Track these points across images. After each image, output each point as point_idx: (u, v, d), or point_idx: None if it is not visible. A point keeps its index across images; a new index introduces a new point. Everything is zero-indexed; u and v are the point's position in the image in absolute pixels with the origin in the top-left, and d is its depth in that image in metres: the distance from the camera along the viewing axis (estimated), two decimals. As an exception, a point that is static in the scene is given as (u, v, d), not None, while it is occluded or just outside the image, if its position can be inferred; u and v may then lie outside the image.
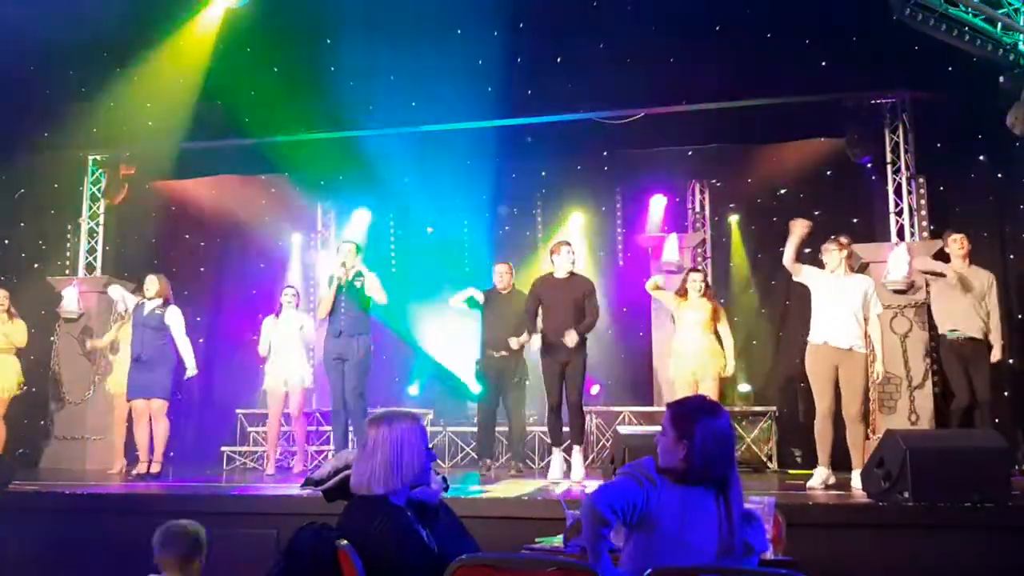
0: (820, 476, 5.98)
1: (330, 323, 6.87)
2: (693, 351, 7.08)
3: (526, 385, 7.79)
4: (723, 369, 7.10)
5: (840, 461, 6.09)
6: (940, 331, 7.12)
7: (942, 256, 7.40)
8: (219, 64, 8.38)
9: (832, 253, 6.20)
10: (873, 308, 6.11)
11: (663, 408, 2.52)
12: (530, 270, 9.40)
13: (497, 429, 7.96)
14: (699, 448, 2.47)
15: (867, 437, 6.15)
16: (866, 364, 6.05)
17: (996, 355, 6.90)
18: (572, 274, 6.75)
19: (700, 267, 7.29)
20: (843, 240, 6.28)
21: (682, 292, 7.31)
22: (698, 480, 2.49)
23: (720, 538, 2.45)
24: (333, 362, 6.76)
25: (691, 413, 2.55)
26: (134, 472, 7.35)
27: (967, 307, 6.94)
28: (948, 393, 7.24)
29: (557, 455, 6.71)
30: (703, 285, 7.24)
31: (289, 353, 7.70)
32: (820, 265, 6.29)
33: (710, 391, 6.82)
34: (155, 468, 7.20)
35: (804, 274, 6.27)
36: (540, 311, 6.79)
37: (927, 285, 7.44)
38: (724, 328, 7.19)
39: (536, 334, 6.79)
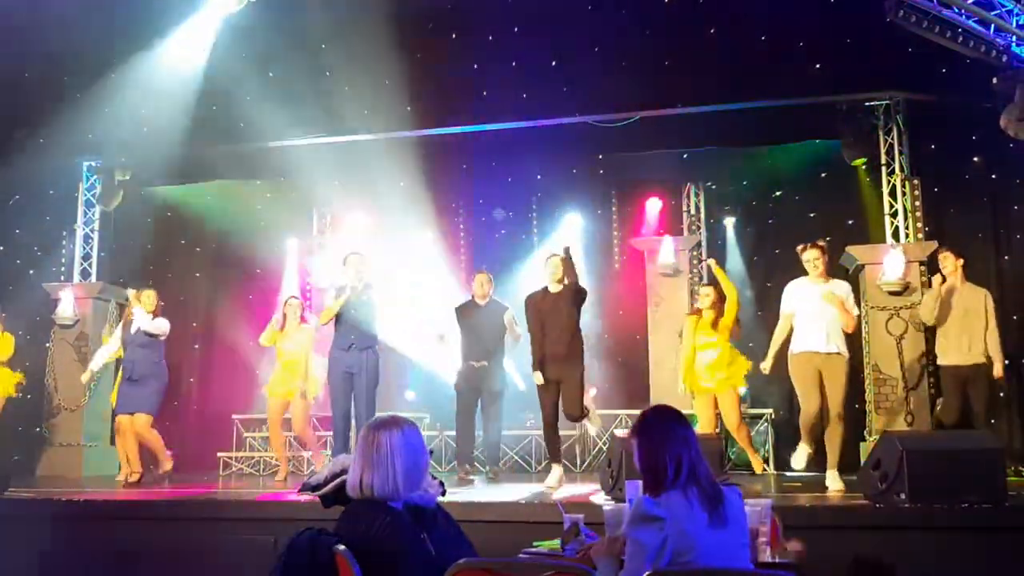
0: (802, 454, 6.21)
1: (339, 335, 6.72)
2: (712, 365, 6.81)
3: (505, 395, 7.63)
4: (744, 374, 6.89)
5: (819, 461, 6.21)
6: (939, 360, 6.90)
7: (935, 266, 7.30)
8: (215, 69, 8.40)
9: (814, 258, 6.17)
10: (851, 311, 6.08)
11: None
12: (526, 274, 9.41)
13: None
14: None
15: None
16: (847, 367, 6.04)
17: (997, 371, 6.65)
18: (565, 286, 6.51)
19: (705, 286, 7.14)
20: (821, 244, 6.21)
21: (696, 312, 7.01)
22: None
23: None
24: (341, 374, 6.62)
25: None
26: (118, 478, 7.37)
27: (961, 332, 6.73)
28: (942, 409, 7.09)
29: (556, 470, 6.50)
30: (714, 295, 6.89)
31: (294, 365, 7.57)
32: (801, 269, 6.23)
33: (730, 405, 6.75)
34: (167, 467, 7.32)
35: (788, 306, 6.25)
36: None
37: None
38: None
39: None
